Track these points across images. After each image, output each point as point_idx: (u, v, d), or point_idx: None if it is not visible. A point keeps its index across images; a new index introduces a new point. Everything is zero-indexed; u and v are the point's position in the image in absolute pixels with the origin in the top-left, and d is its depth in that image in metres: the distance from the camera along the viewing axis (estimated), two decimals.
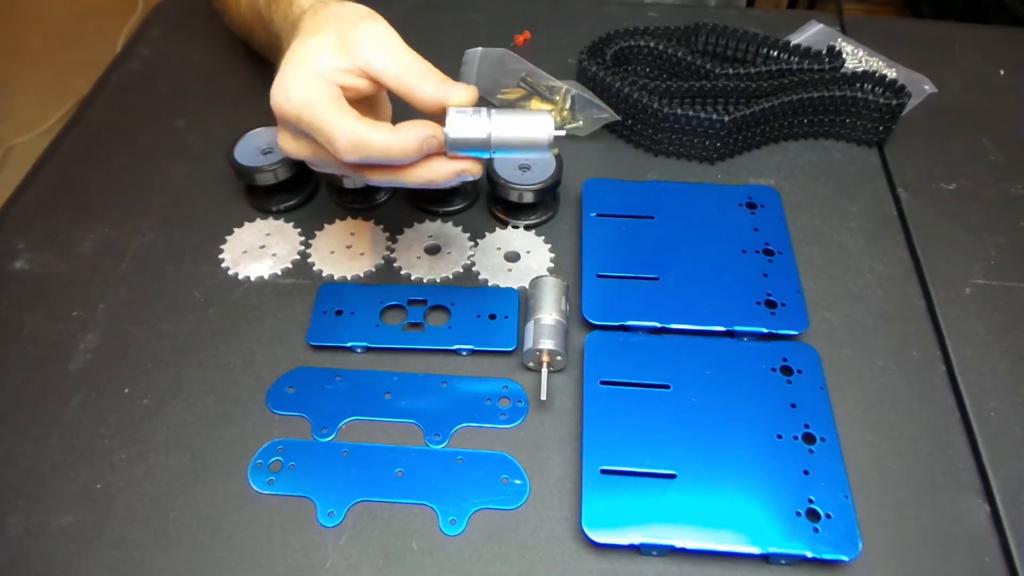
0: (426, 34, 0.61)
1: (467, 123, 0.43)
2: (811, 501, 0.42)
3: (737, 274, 0.54)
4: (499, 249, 0.58)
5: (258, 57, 0.75)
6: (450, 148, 0.43)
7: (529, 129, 0.43)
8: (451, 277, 0.56)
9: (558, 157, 0.58)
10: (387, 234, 0.59)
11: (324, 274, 0.56)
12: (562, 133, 0.45)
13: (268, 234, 0.59)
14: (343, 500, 0.44)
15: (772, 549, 0.41)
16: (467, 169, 0.44)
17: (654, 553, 0.42)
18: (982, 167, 0.64)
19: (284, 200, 0.61)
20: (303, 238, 0.59)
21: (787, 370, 0.49)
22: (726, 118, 0.61)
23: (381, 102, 0.50)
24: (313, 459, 0.46)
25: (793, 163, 0.65)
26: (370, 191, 0.60)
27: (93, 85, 0.73)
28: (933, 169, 0.64)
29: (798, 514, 0.42)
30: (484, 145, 0.43)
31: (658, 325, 0.51)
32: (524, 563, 0.42)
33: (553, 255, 0.57)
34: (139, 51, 0.77)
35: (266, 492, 0.45)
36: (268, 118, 0.62)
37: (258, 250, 0.58)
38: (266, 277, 0.56)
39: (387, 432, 0.48)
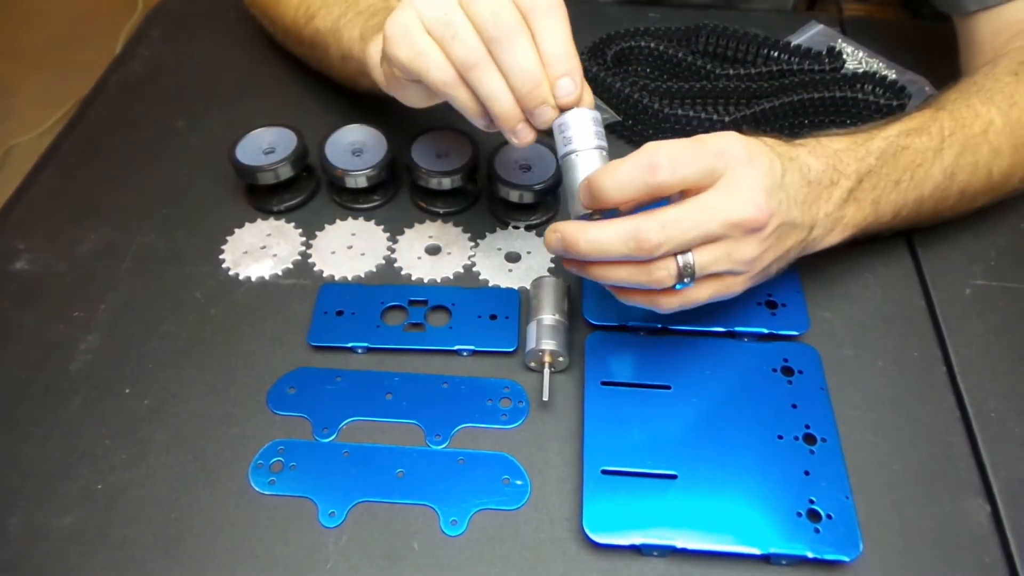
0: None
1: (581, 126, 0.42)
2: (812, 502, 0.42)
3: None
4: (500, 249, 0.58)
5: (258, 57, 0.75)
6: (558, 123, 0.43)
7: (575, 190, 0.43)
8: (452, 277, 0.56)
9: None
10: (388, 234, 0.59)
11: (325, 274, 0.56)
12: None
13: (269, 234, 0.59)
14: (344, 500, 0.44)
15: (773, 550, 0.41)
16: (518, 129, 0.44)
17: (655, 554, 0.42)
18: None
19: (285, 200, 0.61)
20: (304, 238, 0.59)
21: (788, 370, 0.49)
22: (727, 119, 0.61)
23: None
24: (314, 459, 0.46)
25: None
26: (370, 191, 0.60)
27: (93, 85, 0.73)
28: None
29: (799, 515, 0.42)
30: (563, 149, 0.43)
31: (659, 326, 0.51)
32: (525, 564, 0.42)
33: (553, 255, 0.57)
34: (139, 51, 0.77)
35: (267, 492, 0.45)
36: (268, 118, 0.62)
37: (259, 250, 0.58)
38: (267, 277, 0.56)
39: (388, 432, 0.48)
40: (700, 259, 0.40)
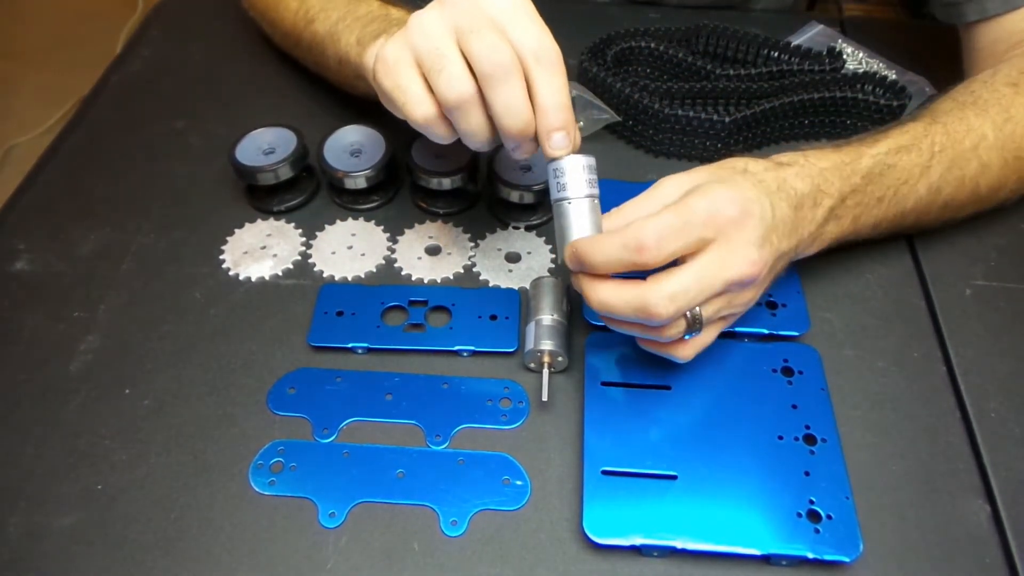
0: None
1: (575, 173, 0.42)
2: (812, 502, 0.42)
3: None
4: (500, 250, 0.58)
5: (258, 57, 0.75)
6: (553, 167, 0.43)
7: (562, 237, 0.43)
8: (452, 278, 0.56)
9: None
10: (388, 235, 0.59)
11: (325, 275, 0.56)
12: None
13: (269, 235, 0.59)
14: (344, 501, 0.44)
15: (773, 550, 0.41)
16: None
17: (655, 554, 0.42)
18: None
19: (285, 200, 0.61)
20: (304, 239, 0.59)
21: (788, 371, 0.49)
22: (727, 119, 0.61)
23: None
24: (314, 460, 0.46)
25: None
26: (370, 192, 0.60)
27: (93, 85, 0.73)
28: None
29: (799, 515, 0.42)
30: (556, 194, 0.43)
31: None
32: (525, 564, 0.42)
33: (554, 256, 0.57)
34: (139, 51, 0.77)
35: (267, 493, 0.45)
36: (268, 118, 0.62)
37: (259, 251, 0.58)
38: (267, 278, 0.56)
39: (388, 433, 0.48)
40: (707, 312, 0.42)
